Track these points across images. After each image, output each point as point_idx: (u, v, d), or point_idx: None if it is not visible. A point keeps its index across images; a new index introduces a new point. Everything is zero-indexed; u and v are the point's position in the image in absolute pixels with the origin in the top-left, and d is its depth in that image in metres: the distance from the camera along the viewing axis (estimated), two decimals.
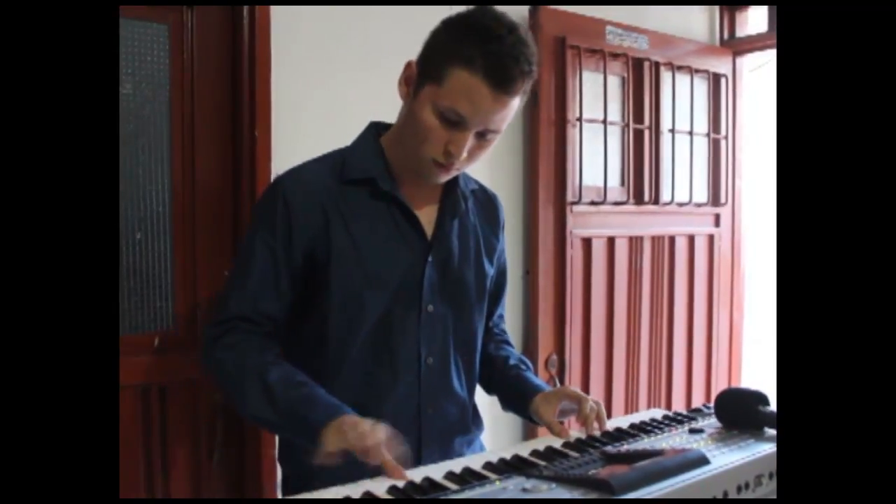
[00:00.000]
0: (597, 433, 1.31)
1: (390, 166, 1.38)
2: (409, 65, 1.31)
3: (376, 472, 1.13)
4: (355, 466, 1.14)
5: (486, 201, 1.53)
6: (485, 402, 1.55)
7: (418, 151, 1.29)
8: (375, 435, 1.14)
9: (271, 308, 1.33)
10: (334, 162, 1.39)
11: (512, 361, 1.52)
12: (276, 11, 1.98)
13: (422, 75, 1.28)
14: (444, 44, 1.25)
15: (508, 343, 1.60)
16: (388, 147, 1.39)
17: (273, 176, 1.93)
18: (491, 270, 1.49)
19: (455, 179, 1.42)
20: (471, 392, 1.49)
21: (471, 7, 1.29)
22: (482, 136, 1.28)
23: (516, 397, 1.47)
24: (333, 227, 1.32)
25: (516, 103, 1.27)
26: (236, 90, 1.98)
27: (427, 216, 1.40)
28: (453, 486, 1.05)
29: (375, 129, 1.43)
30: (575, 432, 1.33)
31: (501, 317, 1.63)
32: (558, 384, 2.60)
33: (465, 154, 1.28)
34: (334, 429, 1.16)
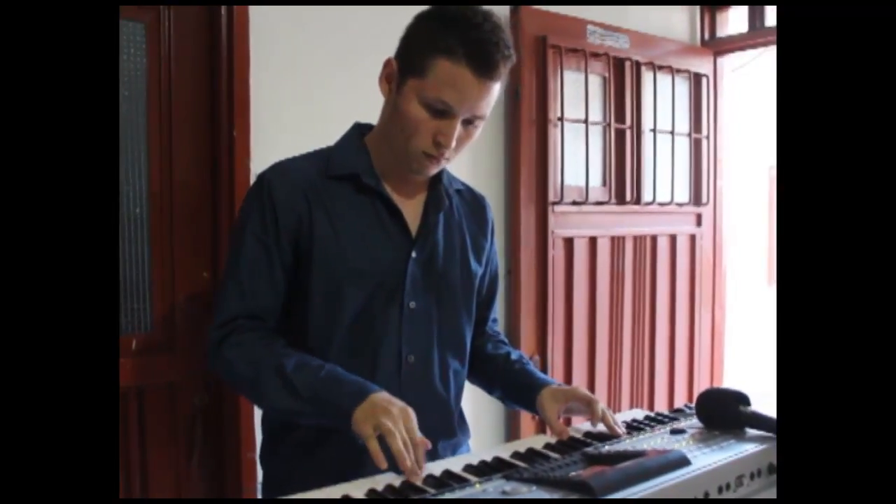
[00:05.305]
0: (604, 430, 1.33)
1: (374, 164, 1.38)
2: (388, 62, 1.33)
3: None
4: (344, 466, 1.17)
5: (473, 201, 1.53)
6: (467, 403, 1.53)
7: (408, 145, 1.31)
8: (404, 418, 1.14)
9: (268, 302, 1.34)
10: (319, 159, 1.40)
11: (514, 357, 1.53)
12: (254, 11, 1.96)
13: (403, 70, 1.29)
14: (423, 37, 1.27)
15: (505, 342, 1.61)
16: (372, 146, 1.40)
17: (252, 176, 1.92)
18: (479, 269, 1.48)
19: (438, 177, 1.42)
20: (456, 395, 1.47)
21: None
22: (468, 123, 1.31)
23: (522, 390, 1.47)
24: (316, 219, 1.33)
25: (498, 88, 1.30)
26: (214, 90, 1.96)
27: (412, 214, 1.40)
28: (432, 489, 1.04)
29: (359, 130, 1.44)
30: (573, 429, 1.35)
31: (495, 321, 1.63)
32: None
33: (454, 142, 1.29)
34: (365, 411, 1.16)
